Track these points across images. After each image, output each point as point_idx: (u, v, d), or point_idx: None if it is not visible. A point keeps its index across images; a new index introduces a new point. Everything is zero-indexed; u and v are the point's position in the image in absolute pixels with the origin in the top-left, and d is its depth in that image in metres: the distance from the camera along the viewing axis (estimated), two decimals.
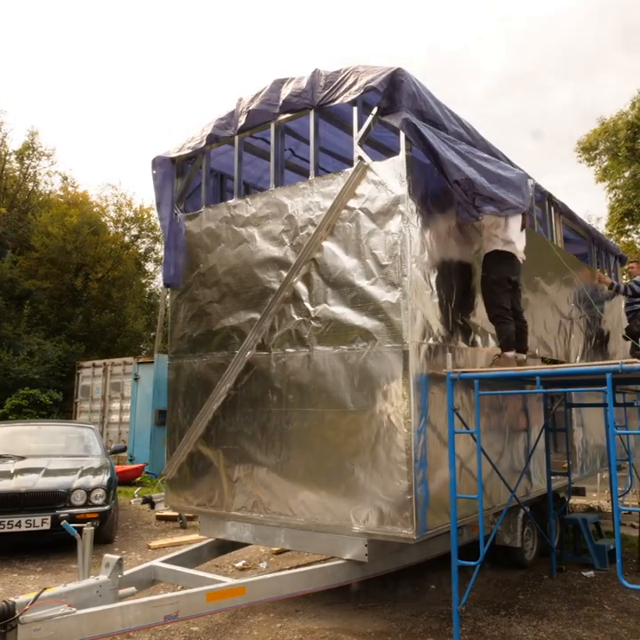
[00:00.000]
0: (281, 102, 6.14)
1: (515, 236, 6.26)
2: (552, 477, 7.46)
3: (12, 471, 8.56)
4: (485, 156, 6.10)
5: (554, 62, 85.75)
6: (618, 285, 10.11)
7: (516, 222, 6.29)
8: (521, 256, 6.37)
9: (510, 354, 6.06)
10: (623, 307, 10.47)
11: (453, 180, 5.45)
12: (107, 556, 5.05)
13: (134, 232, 30.75)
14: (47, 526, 7.93)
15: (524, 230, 6.49)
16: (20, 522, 7.85)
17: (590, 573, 7.24)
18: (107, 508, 8.44)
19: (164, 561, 5.82)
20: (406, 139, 5.37)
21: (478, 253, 6.35)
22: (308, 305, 5.77)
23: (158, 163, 6.99)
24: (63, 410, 19.97)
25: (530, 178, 7.00)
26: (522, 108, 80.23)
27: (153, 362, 16.35)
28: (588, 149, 24.12)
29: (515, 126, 75.95)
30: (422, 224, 5.49)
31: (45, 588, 4.43)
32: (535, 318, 7.48)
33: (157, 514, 10.47)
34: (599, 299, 10.14)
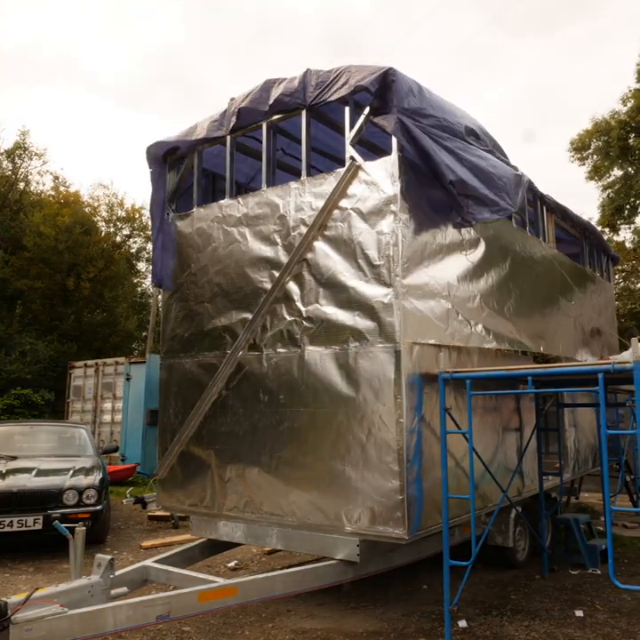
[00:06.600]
0: (272, 102, 6.12)
1: None
2: (544, 477, 7.48)
3: (3, 471, 8.52)
4: (479, 152, 6.09)
5: None
6: None
7: None
8: None
9: None
10: None
11: (448, 182, 5.45)
12: (98, 555, 5.03)
13: (126, 232, 30.62)
14: (39, 526, 7.91)
15: None
16: (11, 522, 7.82)
17: (581, 573, 7.26)
18: (99, 507, 8.41)
19: (156, 561, 5.80)
20: (398, 140, 5.36)
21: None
22: (299, 305, 5.77)
23: (153, 157, 6.95)
24: (55, 410, 19.85)
25: (523, 176, 7.01)
26: None
27: (145, 362, 16.27)
28: (580, 149, 24.16)
29: None
30: (415, 224, 5.49)
31: (37, 588, 4.42)
32: (539, 317, 7.53)
33: (149, 514, 10.44)
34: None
